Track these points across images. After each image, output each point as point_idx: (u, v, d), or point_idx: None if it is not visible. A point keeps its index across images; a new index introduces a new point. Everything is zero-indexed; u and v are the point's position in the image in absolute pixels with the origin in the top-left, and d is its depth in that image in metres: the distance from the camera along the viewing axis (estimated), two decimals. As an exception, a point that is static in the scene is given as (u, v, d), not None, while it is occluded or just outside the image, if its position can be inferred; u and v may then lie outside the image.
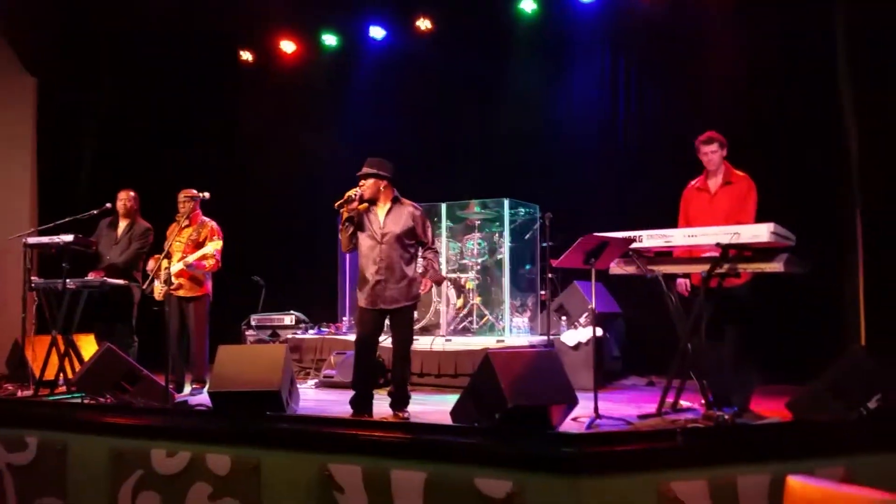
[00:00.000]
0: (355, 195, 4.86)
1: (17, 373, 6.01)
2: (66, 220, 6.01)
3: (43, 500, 4.99)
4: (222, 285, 6.26)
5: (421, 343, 6.24)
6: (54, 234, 5.94)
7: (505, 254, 7.15)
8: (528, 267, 7.44)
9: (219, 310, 6.24)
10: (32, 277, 5.96)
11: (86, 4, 7.57)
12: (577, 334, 6.38)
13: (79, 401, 5.32)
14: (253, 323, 7.09)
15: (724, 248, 4.47)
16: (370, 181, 4.89)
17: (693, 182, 5.13)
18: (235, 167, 8.18)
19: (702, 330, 4.74)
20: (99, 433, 4.84)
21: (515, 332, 7.07)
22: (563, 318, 6.79)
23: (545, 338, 6.39)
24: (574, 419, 4.46)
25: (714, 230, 4.52)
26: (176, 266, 5.89)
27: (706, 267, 4.63)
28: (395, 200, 4.95)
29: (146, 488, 4.59)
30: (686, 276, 5.03)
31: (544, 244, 6.74)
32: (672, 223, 4.98)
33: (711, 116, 6.10)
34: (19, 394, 5.69)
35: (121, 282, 5.96)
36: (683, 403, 4.94)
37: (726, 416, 4.37)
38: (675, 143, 6.31)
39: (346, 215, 4.89)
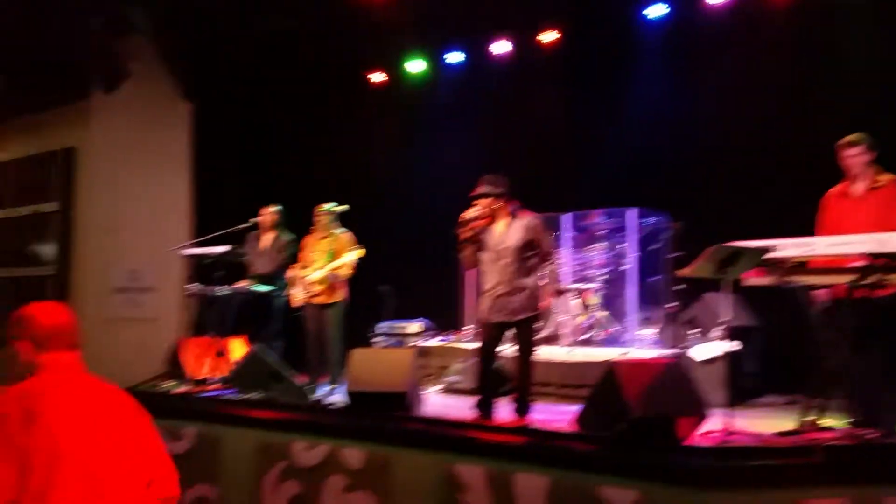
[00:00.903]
0: (470, 217, 5.01)
1: (175, 371, 6.60)
2: (219, 233, 6.56)
3: (198, 486, 5.49)
4: (352, 294, 6.58)
5: (544, 353, 6.28)
6: (209, 245, 6.51)
7: (631, 264, 7.06)
8: (655, 278, 7.30)
9: (349, 317, 6.57)
10: (189, 285, 6.54)
11: (232, 34, 8.22)
12: (710, 348, 6.18)
13: (230, 397, 5.80)
14: (380, 330, 7.39)
15: (873, 258, 4.23)
16: (485, 200, 5.02)
17: (834, 188, 4.88)
18: (366, 181, 8.57)
19: (846, 344, 4.50)
20: (247, 426, 5.28)
21: (642, 344, 6.96)
22: (694, 331, 6.61)
23: (674, 351, 6.24)
24: (704, 434, 4.34)
25: (861, 238, 4.27)
26: (313, 275, 6.29)
27: (849, 277, 4.40)
28: (512, 214, 5.05)
29: (288, 478, 4.95)
30: (825, 287, 4.79)
31: (673, 254, 6.60)
32: (809, 232, 4.77)
33: (853, 117, 5.76)
34: (177, 390, 6.25)
35: (267, 289, 6.43)
36: (826, 422, 4.69)
37: (873, 435, 4.12)
38: (812, 148, 6.01)
39: (464, 237, 5.05)
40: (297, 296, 6.40)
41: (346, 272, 6.31)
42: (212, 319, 6.42)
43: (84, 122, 8.43)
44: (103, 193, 8.39)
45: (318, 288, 6.31)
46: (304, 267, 6.42)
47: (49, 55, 7.53)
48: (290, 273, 6.45)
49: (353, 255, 6.29)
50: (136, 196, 8.38)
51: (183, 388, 6.11)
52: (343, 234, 6.47)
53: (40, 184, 8.99)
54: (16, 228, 9.23)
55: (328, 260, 6.29)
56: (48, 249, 8.76)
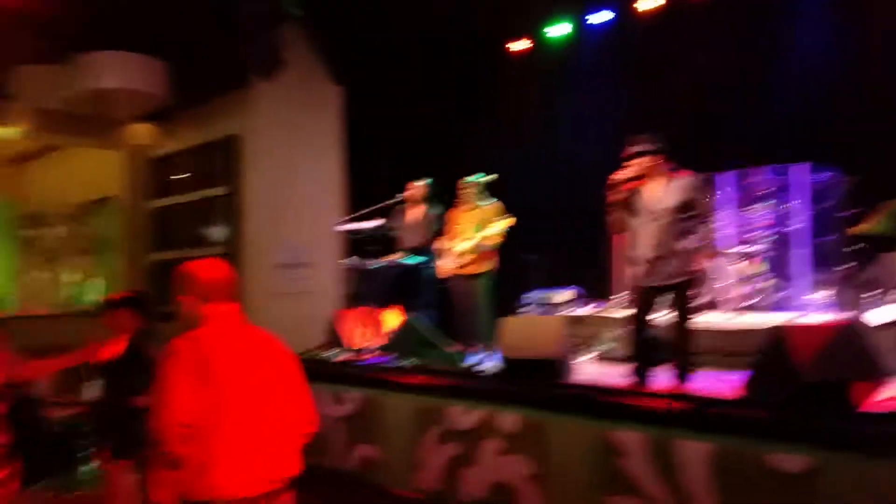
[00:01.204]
0: (623, 178, 4.86)
1: (335, 341, 6.95)
2: (371, 209, 6.79)
3: (361, 446, 5.78)
4: (501, 263, 6.60)
5: (704, 320, 6.02)
6: (362, 221, 6.78)
7: (801, 223, 6.57)
8: (826, 238, 6.77)
9: (497, 287, 6.60)
10: (345, 259, 6.85)
11: (377, 17, 8.44)
12: (887, 311, 5.69)
13: (387, 364, 6.04)
14: (528, 300, 7.37)
15: None
16: (638, 160, 4.85)
17: None
18: (512, 150, 8.54)
19: None
20: (405, 391, 5.49)
21: (812, 309, 6.50)
22: (870, 293, 6.09)
23: (848, 315, 5.78)
24: (881, 401, 4.01)
25: None
26: (461, 246, 6.38)
27: None
28: (666, 174, 4.85)
29: (445, 440, 5.11)
30: None
31: (846, 212, 6.09)
32: None
33: None
34: (338, 358, 6.58)
35: (417, 261, 6.61)
36: None
37: None
38: None
39: (614, 199, 4.91)
40: (446, 267, 6.53)
41: (494, 242, 6.36)
42: (367, 291, 6.69)
43: (245, 110, 8.98)
44: (264, 176, 8.92)
45: (466, 258, 6.40)
46: (453, 238, 6.53)
47: (212, 48, 8.08)
48: (437, 245, 6.58)
49: (501, 225, 6.32)
50: (294, 177, 8.85)
51: (343, 357, 6.42)
52: (490, 205, 6.50)
53: (209, 170, 9.69)
54: (189, 213, 10.02)
55: (476, 231, 6.36)
56: (218, 231, 9.44)
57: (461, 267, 6.43)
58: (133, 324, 4.51)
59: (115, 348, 4.53)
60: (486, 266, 6.45)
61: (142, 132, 10.40)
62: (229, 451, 2.31)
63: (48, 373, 3.53)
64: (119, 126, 10.23)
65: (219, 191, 9.46)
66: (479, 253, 6.37)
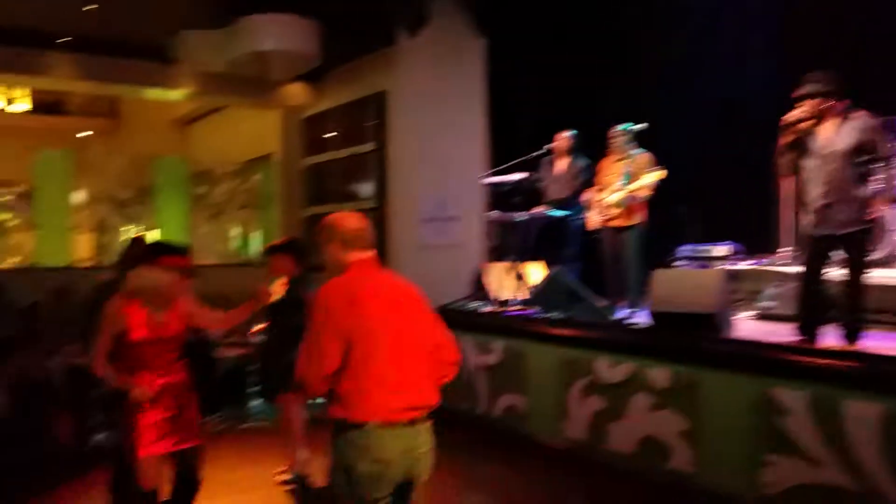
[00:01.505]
0: (794, 119, 4.51)
1: (480, 294, 7.04)
2: (516, 161, 6.75)
3: (506, 396, 5.87)
4: (652, 216, 6.38)
5: (879, 276, 5.53)
6: (506, 174, 6.75)
7: None
8: None
9: (647, 240, 6.39)
10: (491, 211, 6.87)
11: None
12: None
13: (533, 316, 6.05)
14: (682, 254, 7.09)
15: None
16: (811, 100, 4.48)
17: None
18: (663, 98, 8.15)
19: None
20: (550, 343, 5.49)
21: None
22: None
23: None
24: None
25: None
26: (610, 197, 6.22)
27: None
28: (842, 114, 4.45)
29: (592, 393, 5.07)
30: None
31: None
32: None
33: None
34: (483, 310, 6.67)
35: (563, 213, 6.52)
36: None
37: None
38: None
39: (786, 141, 4.58)
40: (594, 219, 6.40)
41: (644, 194, 6.15)
42: (512, 244, 6.70)
43: (392, 67, 9.14)
44: (411, 131, 9.08)
45: (615, 211, 6.24)
46: (601, 190, 6.38)
47: (362, 7, 8.26)
48: (586, 196, 6.46)
49: (652, 177, 6.10)
50: (439, 131, 8.94)
51: (488, 308, 6.50)
52: (641, 155, 6.28)
53: (357, 127, 10.00)
54: (340, 169, 10.42)
55: (626, 182, 6.18)
56: (367, 186, 9.76)
57: (610, 219, 6.29)
58: (291, 269, 4.81)
59: (277, 291, 4.85)
60: (635, 219, 6.27)
61: (296, 92, 10.88)
62: (380, 380, 2.52)
63: (226, 325, 3.86)
64: (275, 87, 10.74)
65: (367, 147, 9.76)
66: (629, 205, 6.20)
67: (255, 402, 6.90)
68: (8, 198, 10.97)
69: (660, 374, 4.66)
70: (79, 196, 10.51)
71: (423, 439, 2.61)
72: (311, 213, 11.27)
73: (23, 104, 16.73)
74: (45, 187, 10.06)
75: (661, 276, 5.14)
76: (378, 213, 9.61)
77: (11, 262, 10.46)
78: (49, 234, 10.04)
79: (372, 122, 9.61)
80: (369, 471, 2.49)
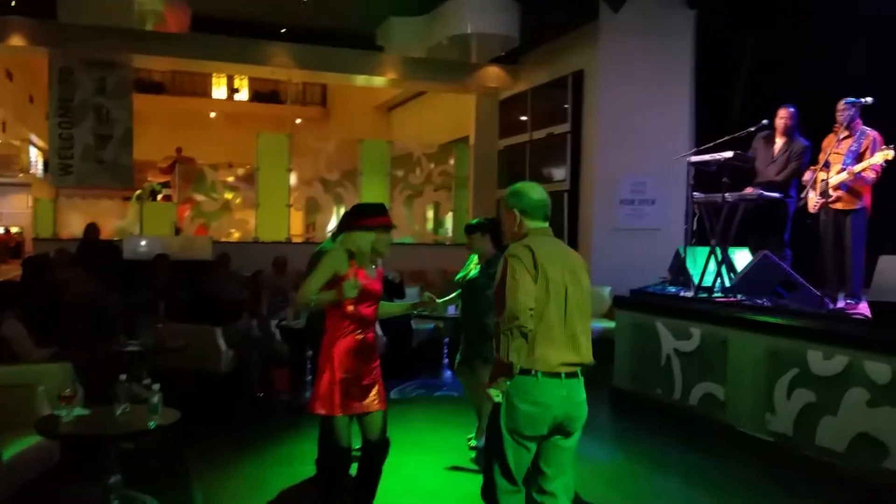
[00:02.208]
0: None
1: (679, 278, 6.76)
2: (725, 138, 6.37)
3: (704, 384, 5.61)
4: (880, 199, 5.77)
5: None
6: (714, 152, 6.38)
7: None
8: None
9: (871, 225, 5.79)
10: (694, 193, 6.55)
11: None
12: None
13: (737, 302, 5.73)
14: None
15: None
16: None
17: None
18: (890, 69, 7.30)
19: None
20: (756, 331, 5.16)
21: None
22: None
23: None
24: None
25: None
26: (835, 178, 5.70)
27: None
28: None
29: (801, 385, 4.72)
30: None
31: None
32: None
33: None
34: (683, 294, 6.41)
35: (777, 195, 6.07)
36: None
37: None
38: None
39: None
40: (813, 201, 5.90)
41: (871, 175, 5.57)
42: (719, 227, 6.34)
43: (591, 45, 9.00)
44: (609, 110, 8.92)
45: (837, 192, 5.72)
46: (824, 169, 5.86)
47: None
48: (807, 175, 5.96)
49: (879, 157, 5.51)
50: (640, 109, 8.69)
51: (690, 293, 6.23)
52: (869, 132, 5.69)
53: (553, 108, 9.98)
54: (534, 150, 10.48)
55: (852, 161, 5.63)
56: (562, 167, 9.73)
57: (833, 201, 5.76)
58: (488, 247, 4.90)
59: (473, 268, 5.00)
60: (859, 202, 5.69)
61: (492, 75, 11.08)
62: (549, 336, 2.80)
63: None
64: (472, 70, 11.01)
65: (562, 128, 9.72)
66: (854, 187, 5.64)
67: (448, 373, 7.16)
68: (232, 179, 12.17)
69: (879, 369, 4.24)
70: (293, 178, 11.45)
71: (578, 392, 2.87)
72: (502, 194, 11.44)
73: (242, 94, 18.51)
74: (265, 168, 11.07)
75: (886, 264, 4.66)
76: (572, 195, 9.57)
77: (236, 236, 11.62)
78: (268, 212, 11.05)
79: (568, 101, 9.56)
80: (529, 411, 2.79)
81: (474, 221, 5.07)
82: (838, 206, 5.75)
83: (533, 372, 2.77)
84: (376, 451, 3.50)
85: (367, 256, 3.41)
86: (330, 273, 3.34)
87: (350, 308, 3.34)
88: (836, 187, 5.70)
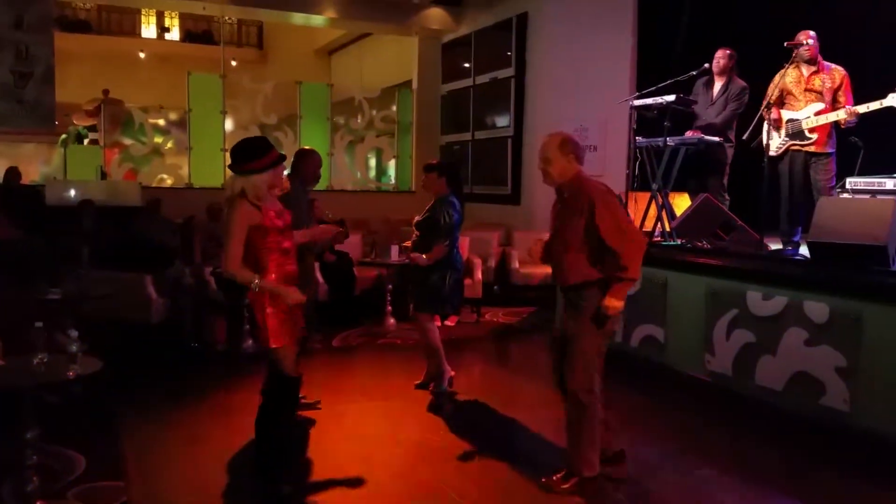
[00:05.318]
0: None
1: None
2: (667, 82, 6.31)
3: (644, 326, 5.65)
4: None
5: None
6: (654, 96, 6.32)
7: None
8: None
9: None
10: (636, 137, 6.51)
11: None
12: None
13: (678, 245, 5.75)
14: (849, 186, 6.46)
15: None
16: None
17: None
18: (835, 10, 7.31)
19: None
20: (696, 273, 5.19)
21: None
22: None
23: None
24: None
25: None
26: (822, 117, 5.62)
27: None
28: None
29: (740, 326, 4.77)
30: None
31: None
32: None
33: None
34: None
35: (716, 139, 6.07)
36: None
37: None
38: None
39: None
40: (777, 142, 5.89)
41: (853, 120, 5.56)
42: (660, 171, 6.33)
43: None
44: (552, 54, 8.78)
45: (814, 135, 5.69)
46: (789, 109, 5.80)
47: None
48: (774, 114, 5.89)
49: (839, 114, 5.50)
50: (583, 53, 8.59)
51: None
52: (836, 69, 5.64)
53: (496, 53, 9.78)
54: (477, 96, 10.29)
55: (829, 97, 5.59)
56: (505, 113, 9.58)
57: (806, 145, 5.76)
58: (442, 189, 4.83)
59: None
60: (832, 145, 5.73)
61: (435, 16, 10.77)
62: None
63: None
64: (415, 11, 10.67)
65: (506, 73, 9.54)
66: (829, 128, 5.65)
67: (392, 321, 7.07)
68: (163, 122, 11.64)
69: (817, 308, 4.31)
70: (229, 122, 11.00)
71: None
72: (445, 140, 11.27)
73: (174, 34, 17.60)
74: (198, 111, 10.60)
75: (825, 204, 4.71)
76: (515, 141, 9.45)
77: (169, 182, 11.16)
78: (202, 157, 10.63)
79: (511, 46, 9.36)
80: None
81: (431, 161, 5.14)
82: (811, 148, 5.73)
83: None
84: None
85: (266, 194, 3.31)
86: (245, 230, 3.26)
87: (272, 244, 3.33)
88: (813, 130, 5.63)
